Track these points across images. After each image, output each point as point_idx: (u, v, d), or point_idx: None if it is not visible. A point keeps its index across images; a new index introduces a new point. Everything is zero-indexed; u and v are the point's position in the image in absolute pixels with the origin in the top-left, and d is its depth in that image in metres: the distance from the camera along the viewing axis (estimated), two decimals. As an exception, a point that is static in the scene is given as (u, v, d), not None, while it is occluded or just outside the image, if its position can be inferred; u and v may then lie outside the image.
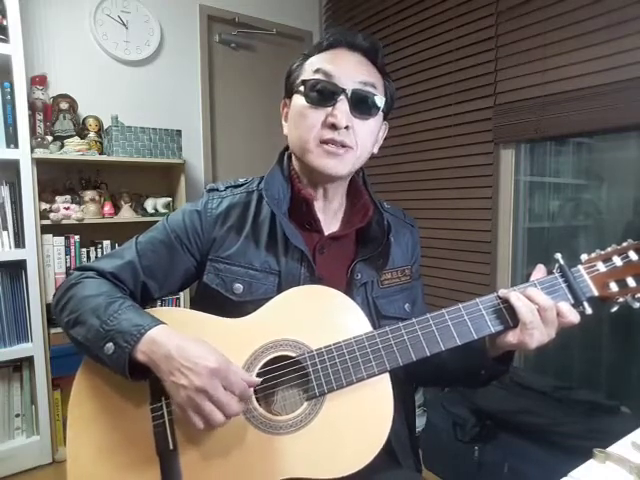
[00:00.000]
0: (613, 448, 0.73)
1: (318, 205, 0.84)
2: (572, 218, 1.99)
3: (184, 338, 0.67)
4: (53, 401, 1.95)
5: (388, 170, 2.45)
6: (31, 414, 1.95)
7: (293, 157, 0.86)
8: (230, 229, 0.83)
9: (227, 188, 0.88)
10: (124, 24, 2.28)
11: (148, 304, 0.83)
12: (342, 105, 0.75)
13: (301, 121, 0.78)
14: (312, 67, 0.79)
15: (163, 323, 0.70)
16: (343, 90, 0.75)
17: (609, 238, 1.82)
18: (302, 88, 0.78)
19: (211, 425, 0.64)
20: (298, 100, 0.79)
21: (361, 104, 0.77)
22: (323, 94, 0.76)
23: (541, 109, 1.80)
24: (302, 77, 0.80)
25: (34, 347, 1.88)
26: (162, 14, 2.39)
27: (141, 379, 0.69)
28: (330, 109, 0.76)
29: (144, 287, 0.82)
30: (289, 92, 0.84)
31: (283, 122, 0.87)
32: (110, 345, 0.67)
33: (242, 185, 0.89)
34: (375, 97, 0.78)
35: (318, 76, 0.77)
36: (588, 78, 1.66)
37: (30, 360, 1.90)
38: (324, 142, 0.76)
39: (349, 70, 0.77)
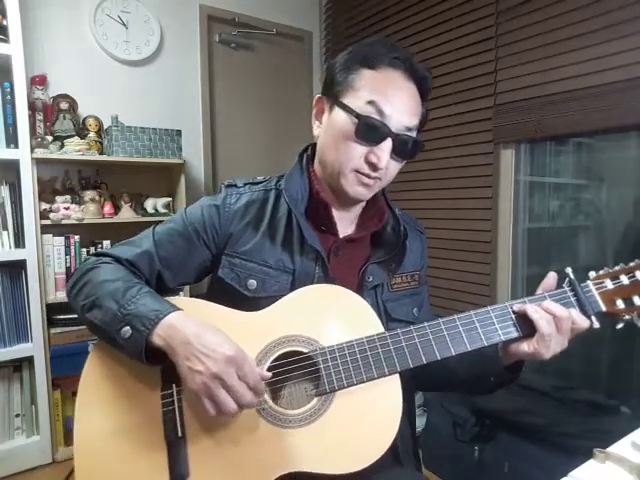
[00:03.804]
0: (613, 448, 0.74)
1: (336, 210, 0.85)
2: (572, 218, 1.98)
3: (202, 325, 0.68)
4: (53, 401, 1.95)
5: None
6: (31, 414, 1.95)
7: (316, 161, 0.86)
8: (247, 225, 0.83)
9: (245, 185, 0.88)
10: (124, 24, 2.28)
11: (162, 294, 0.83)
12: (386, 146, 0.76)
13: (343, 147, 0.77)
14: (365, 92, 0.76)
15: (180, 309, 0.71)
16: (392, 133, 0.75)
17: (609, 238, 1.82)
18: (355, 119, 0.75)
19: (223, 413, 0.65)
20: (345, 122, 0.77)
21: (403, 149, 0.78)
22: (373, 133, 0.75)
23: (541, 109, 1.80)
24: (354, 99, 0.76)
25: (34, 347, 1.88)
26: (162, 14, 2.39)
27: (155, 364, 0.70)
28: (374, 147, 0.76)
29: (159, 276, 0.83)
30: (331, 95, 0.81)
31: (314, 120, 0.85)
32: (127, 329, 0.68)
33: (260, 183, 0.89)
34: (416, 143, 0.79)
35: (371, 110, 0.75)
36: (588, 78, 1.66)
37: (30, 360, 1.90)
38: (358, 172, 0.78)
39: (401, 110, 0.76)
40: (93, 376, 0.74)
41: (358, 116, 0.75)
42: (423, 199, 2.30)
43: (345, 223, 0.87)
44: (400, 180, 2.49)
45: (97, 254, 0.83)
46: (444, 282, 2.20)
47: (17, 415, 1.93)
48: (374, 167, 0.76)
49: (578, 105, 1.69)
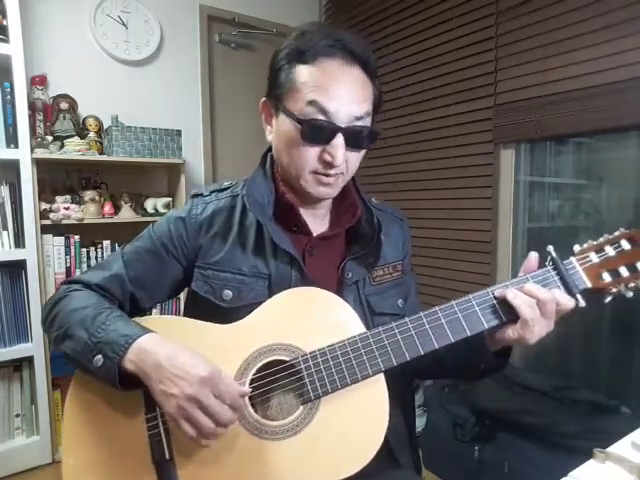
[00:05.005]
0: (613, 448, 0.74)
1: (304, 209, 0.83)
2: (572, 218, 1.98)
3: (174, 347, 0.67)
4: (53, 401, 1.95)
5: (388, 170, 2.45)
6: (31, 414, 1.95)
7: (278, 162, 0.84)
8: (216, 235, 0.81)
9: (212, 193, 0.86)
10: (124, 24, 2.28)
11: (138, 315, 0.81)
12: (338, 142, 0.73)
13: (295, 152, 0.75)
14: (306, 92, 0.72)
15: (152, 332, 0.69)
16: (340, 128, 0.72)
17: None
18: (298, 125, 0.73)
19: (203, 433, 0.63)
20: (289, 128, 0.74)
21: (356, 140, 0.75)
22: (319, 134, 0.73)
23: (541, 109, 1.80)
24: (295, 101, 0.73)
25: (34, 347, 1.88)
26: (162, 14, 2.39)
27: (132, 389, 0.68)
28: (326, 146, 0.73)
29: (132, 298, 0.81)
30: (274, 98, 0.77)
31: (265, 125, 0.82)
32: (99, 357, 0.67)
33: (227, 189, 0.87)
34: (369, 130, 0.76)
35: (312, 110, 0.71)
36: (588, 78, 1.66)
37: (30, 360, 1.90)
38: (316, 173, 0.76)
39: (347, 101, 0.72)
40: (77, 403, 0.73)
41: (300, 121, 0.72)
42: (423, 199, 2.30)
43: (316, 221, 0.85)
44: (400, 180, 2.51)
45: (68, 282, 0.81)
46: (444, 282, 2.20)
47: (17, 415, 1.93)
48: (330, 165, 0.74)
49: (578, 105, 1.69)
